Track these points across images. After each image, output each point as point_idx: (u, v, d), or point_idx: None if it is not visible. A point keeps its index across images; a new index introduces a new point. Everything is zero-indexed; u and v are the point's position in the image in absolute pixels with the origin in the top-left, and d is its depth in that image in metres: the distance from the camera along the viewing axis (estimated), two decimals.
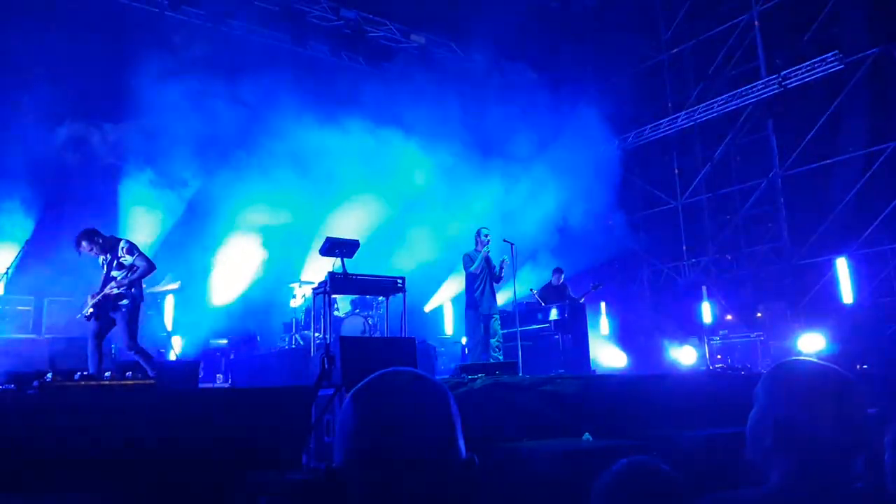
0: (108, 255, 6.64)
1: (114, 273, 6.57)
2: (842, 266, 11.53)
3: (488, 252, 8.72)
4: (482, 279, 8.70)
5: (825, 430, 1.52)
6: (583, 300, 10.82)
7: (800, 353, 9.79)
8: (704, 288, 13.33)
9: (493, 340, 8.63)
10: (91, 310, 6.45)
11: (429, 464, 1.11)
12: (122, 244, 6.62)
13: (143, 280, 6.82)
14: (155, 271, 6.83)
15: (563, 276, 11.08)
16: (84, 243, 6.53)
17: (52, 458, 3.94)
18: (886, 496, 1.83)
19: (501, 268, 8.69)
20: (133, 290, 6.63)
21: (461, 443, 1.18)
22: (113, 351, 7.87)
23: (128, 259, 6.57)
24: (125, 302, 6.55)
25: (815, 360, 1.66)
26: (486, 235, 8.74)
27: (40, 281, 9.53)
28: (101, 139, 11.38)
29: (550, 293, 10.88)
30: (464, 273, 8.90)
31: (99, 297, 6.46)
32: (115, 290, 6.47)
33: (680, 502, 1.73)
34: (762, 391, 1.67)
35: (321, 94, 12.18)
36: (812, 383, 1.59)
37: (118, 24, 11.55)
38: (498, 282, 8.81)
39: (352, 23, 14.16)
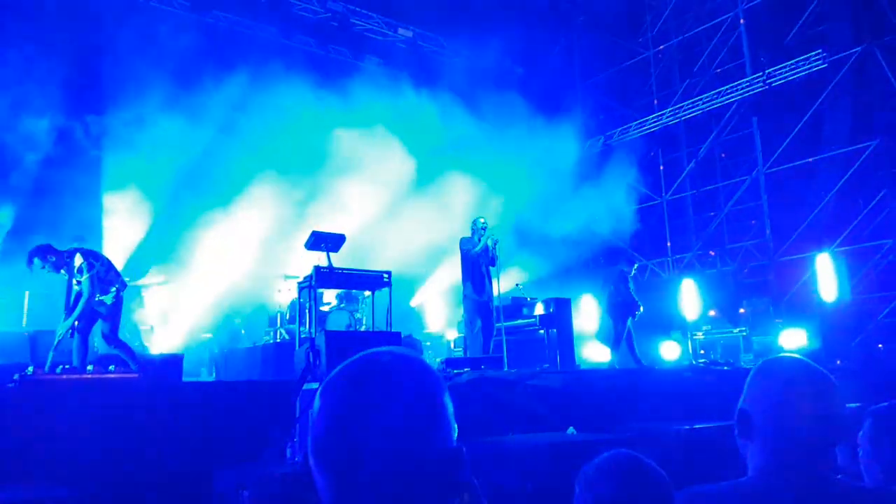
0: (65, 272, 6.36)
1: (75, 289, 6.36)
2: (824, 263, 11.64)
3: (489, 238, 8.49)
4: (481, 266, 8.55)
5: (805, 425, 1.54)
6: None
7: (782, 349, 9.89)
8: (688, 283, 13.42)
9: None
10: (71, 330, 6.31)
11: (404, 455, 0.99)
12: (77, 261, 6.29)
13: (119, 274, 6.72)
14: (91, 299, 6.39)
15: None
16: (36, 260, 6.20)
17: (33, 451, 3.90)
18: (863, 489, 1.85)
19: (495, 247, 8.52)
20: (115, 285, 6.53)
21: (448, 431, 1.05)
22: (95, 344, 7.79)
23: (79, 278, 6.29)
24: (107, 300, 6.45)
25: (799, 356, 1.69)
26: (483, 223, 8.61)
27: (21, 273, 9.41)
28: (83, 131, 11.25)
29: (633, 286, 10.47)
30: (460, 264, 8.66)
31: (69, 322, 6.27)
32: (69, 325, 6.28)
33: (662, 495, 1.75)
34: (747, 387, 1.70)
35: (307, 87, 12.10)
36: (793, 379, 1.61)
37: (103, 13, 11.40)
38: (493, 264, 8.59)
39: (338, 15, 14.08)
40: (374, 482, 0.98)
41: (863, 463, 2.06)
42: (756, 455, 1.62)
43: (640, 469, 1.78)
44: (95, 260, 6.42)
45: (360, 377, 1.05)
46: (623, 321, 9.98)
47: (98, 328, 6.64)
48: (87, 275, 6.25)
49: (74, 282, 6.35)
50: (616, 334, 9.96)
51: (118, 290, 6.56)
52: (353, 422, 1.00)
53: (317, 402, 1.06)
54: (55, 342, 6.24)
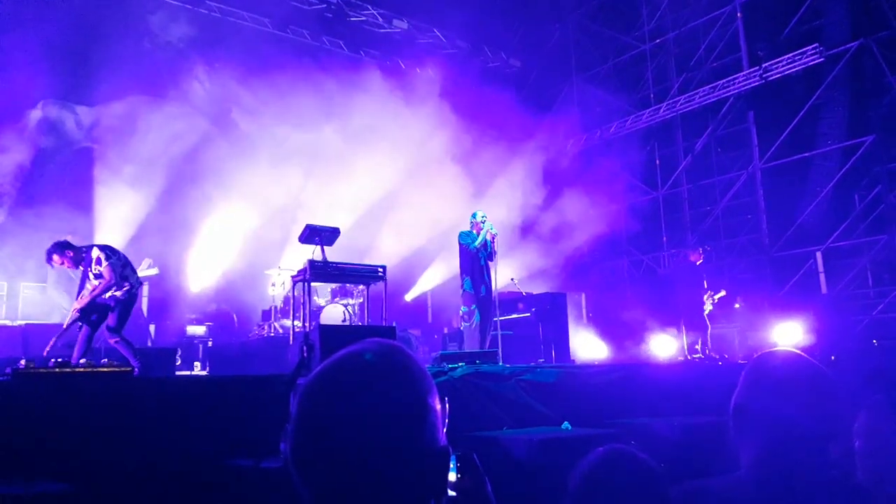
0: (82, 267, 6.46)
1: (93, 282, 6.43)
2: (819, 258, 11.66)
3: (488, 232, 8.43)
4: (479, 260, 8.48)
5: (800, 420, 1.53)
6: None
7: (777, 344, 9.90)
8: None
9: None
10: (78, 322, 6.35)
11: (386, 460, 0.97)
12: (94, 254, 6.41)
13: (135, 271, 6.76)
14: (113, 284, 6.49)
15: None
16: (56, 257, 6.33)
17: (26, 445, 3.87)
18: (857, 483, 1.84)
19: (493, 241, 8.47)
20: (128, 281, 6.55)
21: (434, 431, 1.03)
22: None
23: (97, 269, 6.39)
24: (118, 294, 6.47)
25: (795, 351, 1.68)
26: (482, 217, 8.58)
27: (14, 266, 9.38)
28: (75, 122, 11.17)
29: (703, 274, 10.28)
30: (458, 258, 8.59)
31: (76, 313, 6.34)
32: (78, 309, 6.36)
33: (656, 490, 1.74)
34: (742, 381, 1.69)
35: (301, 79, 12.04)
36: (788, 374, 1.61)
37: (96, 3, 11.30)
38: (492, 259, 8.54)
39: (333, 7, 14.00)
40: (355, 489, 0.97)
41: (858, 458, 2.05)
42: (750, 450, 1.61)
43: (634, 464, 1.77)
44: (113, 254, 6.54)
45: (340, 381, 1.02)
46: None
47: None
48: (107, 263, 6.37)
49: (91, 275, 6.40)
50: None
51: (132, 287, 6.59)
52: (331, 430, 0.97)
53: (295, 408, 1.03)
54: (65, 324, 6.37)
